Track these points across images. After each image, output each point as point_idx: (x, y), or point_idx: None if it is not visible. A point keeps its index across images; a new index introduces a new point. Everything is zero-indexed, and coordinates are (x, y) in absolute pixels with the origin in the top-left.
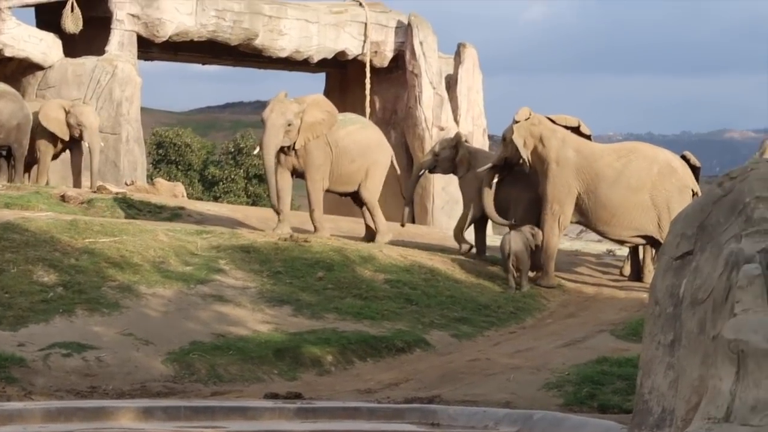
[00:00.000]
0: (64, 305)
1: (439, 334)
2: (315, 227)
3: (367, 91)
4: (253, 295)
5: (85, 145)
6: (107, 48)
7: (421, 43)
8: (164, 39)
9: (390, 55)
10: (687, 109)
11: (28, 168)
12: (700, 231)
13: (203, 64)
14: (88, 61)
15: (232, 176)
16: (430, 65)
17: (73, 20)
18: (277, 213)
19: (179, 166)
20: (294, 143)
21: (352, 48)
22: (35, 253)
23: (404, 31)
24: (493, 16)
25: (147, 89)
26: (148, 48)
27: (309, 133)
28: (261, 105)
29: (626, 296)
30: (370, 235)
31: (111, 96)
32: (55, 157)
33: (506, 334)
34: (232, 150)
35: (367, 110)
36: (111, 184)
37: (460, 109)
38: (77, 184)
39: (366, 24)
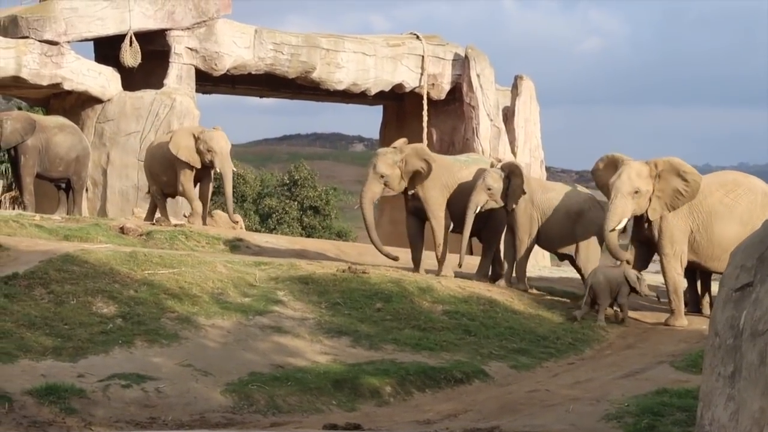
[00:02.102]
0: (123, 336)
1: (498, 365)
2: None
3: (425, 123)
4: (312, 326)
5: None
6: (165, 81)
7: (478, 76)
8: (222, 72)
9: (447, 87)
10: (742, 140)
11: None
12: (759, 263)
13: (261, 97)
14: (146, 95)
15: (286, 208)
16: (487, 97)
17: (131, 54)
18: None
19: (234, 198)
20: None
21: (409, 80)
22: (94, 284)
23: (461, 63)
24: (549, 48)
25: (205, 122)
26: (206, 81)
27: (416, 181)
28: (317, 137)
29: (685, 328)
30: (495, 274)
31: (169, 129)
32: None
33: (565, 365)
34: (287, 182)
35: (425, 142)
36: (169, 216)
37: (517, 140)
38: (205, 216)
39: (423, 57)
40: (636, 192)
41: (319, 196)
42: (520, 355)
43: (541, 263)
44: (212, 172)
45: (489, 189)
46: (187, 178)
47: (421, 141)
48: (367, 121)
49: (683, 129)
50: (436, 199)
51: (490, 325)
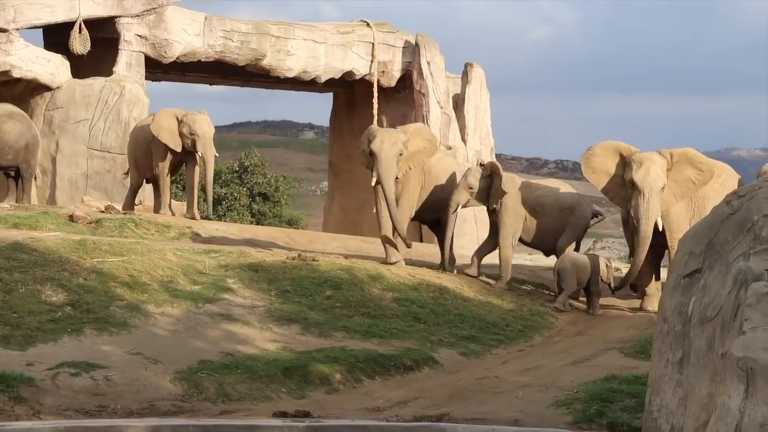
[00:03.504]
0: (73, 325)
1: (448, 352)
2: (400, 246)
3: (375, 111)
4: (261, 313)
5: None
6: (115, 69)
7: (428, 63)
8: (172, 59)
9: (397, 74)
10: (693, 127)
11: (152, 183)
12: (708, 249)
13: (211, 84)
14: (95, 82)
15: (236, 195)
16: (437, 85)
17: (81, 41)
18: (406, 242)
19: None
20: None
21: (360, 68)
22: (43, 272)
23: (412, 50)
24: (500, 36)
25: (155, 110)
26: (155, 68)
27: (411, 162)
28: (268, 125)
29: (635, 314)
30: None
31: (119, 116)
32: (173, 171)
33: (515, 352)
34: (237, 169)
35: None
36: (119, 204)
37: (467, 128)
38: (192, 203)
39: (373, 44)
40: (663, 187)
41: (269, 183)
42: (469, 342)
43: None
44: (196, 158)
45: (470, 188)
46: (164, 163)
47: None
48: (318, 108)
49: (634, 117)
50: (414, 185)
51: (440, 312)
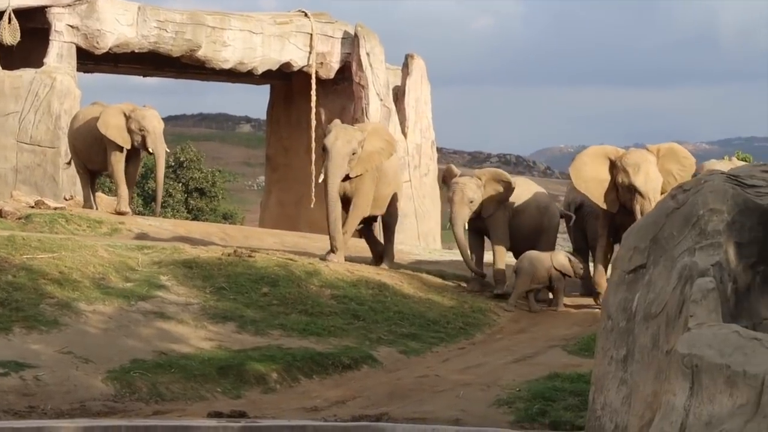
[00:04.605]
0: (1, 323)
1: (387, 351)
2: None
3: (313, 103)
4: (196, 311)
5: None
6: (45, 60)
7: (367, 54)
8: (104, 51)
9: (336, 66)
10: (638, 120)
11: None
12: (653, 244)
13: (144, 76)
14: (25, 74)
15: (171, 191)
16: (377, 76)
17: (10, 32)
18: (335, 242)
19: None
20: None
21: (297, 59)
22: None
23: (350, 42)
24: (441, 27)
25: (87, 102)
26: (87, 59)
27: (368, 163)
28: (203, 117)
29: (578, 311)
30: (378, 259)
31: (49, 109)
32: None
33: (455, 350)
34: (173, 164)
35: (313, 122)
36: (49, 199)
37: (408, 120)
38: (125, 197)
39: (311, 35)
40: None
41: (205, 178)
42: (409, 340)
43: (431, 246)
44: (141, 153)
45: (471, 202)
46: (117, 159)
47: (309, 121)
48: (255, 101)
49: (579, 111)
50: (369, 186)
51: (379, 309)
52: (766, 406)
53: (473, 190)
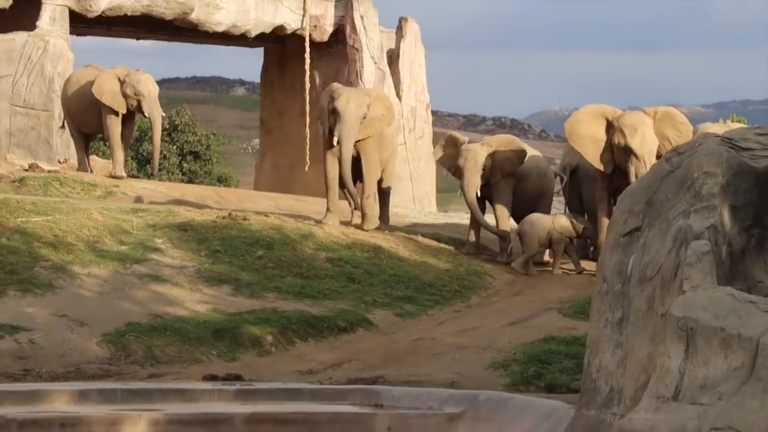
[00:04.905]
0: None
1: (383, 314)
2: (366, 215)
3: (307, 66)
4: (191, 274)
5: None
6: (38, 23)
7: (361, 17)
8: (97, 14)
9: (330, 29)
10: (633, 84)
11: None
12: (648, 207)
13: (138, 39)
14: (18, 37)
15: (166, 154)
16: (371, 39)
17: None
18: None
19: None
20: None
21: (291, 22)
22: None
23: (344, 4)
24: None
25: (80, 65)
26: (80, 23)
27: (371, 129)
28: (198, 81)
29: (574, 274)
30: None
31: (42, 72)
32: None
33: (451, 313)
34: (167, 127)
35: (307, 85)
36: (43, 162)
37: (402, 84)
38: (120, 161)
39: None
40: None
41: (200, 141)
42: (405, 303)
43: (427, 209)
44: (135, 117)
45: (484, 169)
46: (113, 123)
47: (303, 84)
48: (249, 64)
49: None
50: (375, 149)
51: (374, 272)
52: (760, 369)
53: (485, 157)
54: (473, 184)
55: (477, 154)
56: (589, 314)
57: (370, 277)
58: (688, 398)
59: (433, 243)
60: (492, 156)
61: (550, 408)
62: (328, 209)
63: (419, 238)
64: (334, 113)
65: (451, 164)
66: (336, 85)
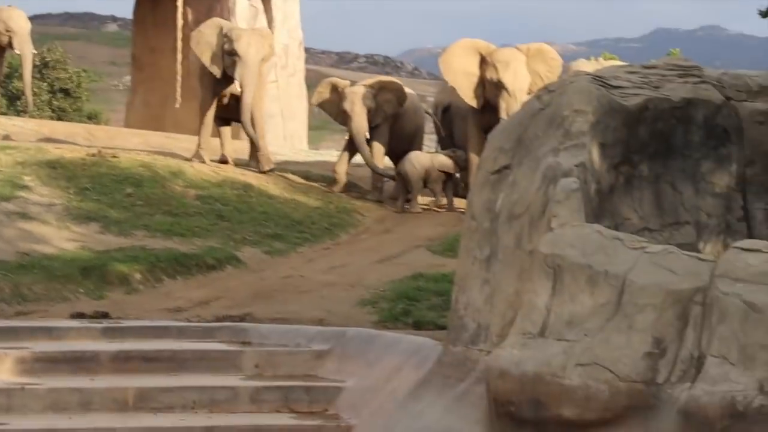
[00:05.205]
0: None
1: (252, 251)
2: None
3: (179, 3)
4: (59, 212)
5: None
6: None
7: None
8: None
9: None
10: (506, 20)
11: None
12: (517, 145)
13: None
14: None
15: (36, 90)
16: None
17: None
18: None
19: None
20: None
21: None
22: None
23: None
24: None
25: None
26: None
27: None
28: (69, 17)
29: (443, 211)
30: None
31: None
32: None
33: (320, 251)
34: (38, 63)
35: (179, 22)
36: None
37: (275, 20)
38: None
39: None
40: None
41: (70, 78)
42: (274, 241)
43: (298, 146)
44: (5, 53)
45: (369, 111)
46: None
47: (175, 21)
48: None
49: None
50: None
51: (244, 210)
52: (626, 305)
53: (369, 99)
54: (363, 126)
55: (363, 97)
56: (458, 252)
57: (239, 215)
58: (554, 334)
59: (303, 181)
60: (374, 98)
61: (418, 345)
62: (200, 147)
63: (289, 175)
64: (232, 55)
65: (332, 109)
66: (224, 23)
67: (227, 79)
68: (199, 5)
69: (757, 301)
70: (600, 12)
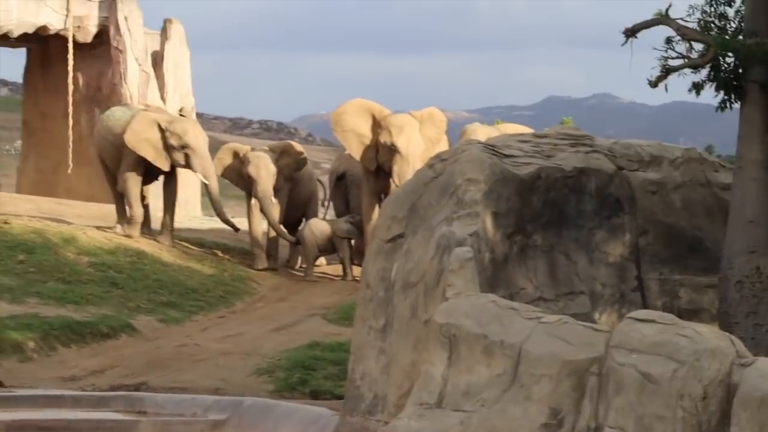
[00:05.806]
0: None
1: (146, 319)
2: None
3: (70, 68)
4: None
5: None
6: None
7: (125, 18)
8: None
9: (94, 30)
10: (399, 87)
11: None
12: (411, 213)
13: None
14: None
15: None
16: (135, 41)
17: None
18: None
19: None
20: None
21: (54, 22)
22: None
23: (108, 5)
24: None
25: None
26: None
27: None
28: None
29: (339, 280)
30: None
31: None
32: None
33: (215, 319)
34: None
35: (70, 87)
36: None
37: (167, 86)
38: None
39: None
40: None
41: None
42: (169, 309)
43: (191, 213)
44: None
45: (273, 175)
46: None
47: (66, 86)
48: (11, 63)
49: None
50: None
51: (138, 277)
52: (522, 376)
53: (273, 162)
54: (269, 190)
55: (268, 161)
56: (353, 320)
57: (133, 282)
58: (451, 405)
59: (197, 249)
60: (276, 162)
61: (315, 414)
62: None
63: (183, 243)
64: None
65: (233, 175)
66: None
67: None
68: (90, 70)
69: (652, 372)
70: (492, 79)
